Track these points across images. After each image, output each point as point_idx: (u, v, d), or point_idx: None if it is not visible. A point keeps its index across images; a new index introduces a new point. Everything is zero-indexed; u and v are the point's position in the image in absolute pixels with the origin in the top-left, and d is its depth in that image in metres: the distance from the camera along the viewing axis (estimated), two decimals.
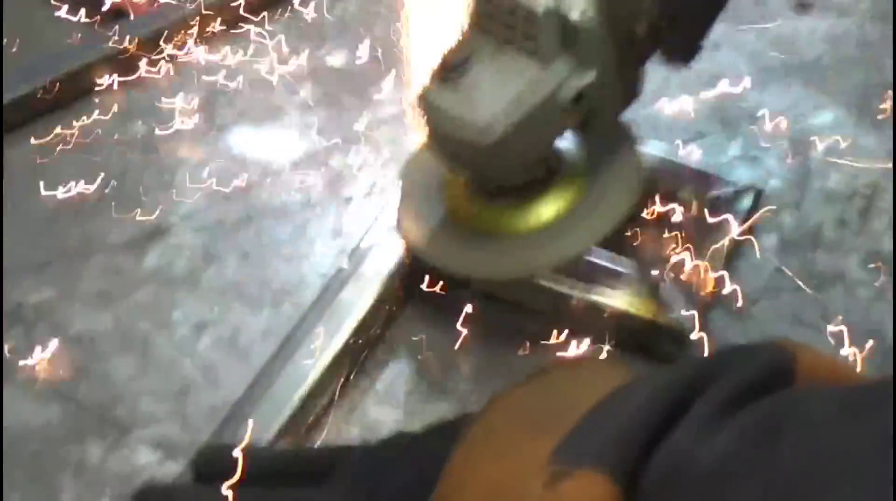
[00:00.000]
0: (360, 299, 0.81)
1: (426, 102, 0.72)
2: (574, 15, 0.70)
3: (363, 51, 1.04)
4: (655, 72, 1.00)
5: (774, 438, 0.44)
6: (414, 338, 0.82)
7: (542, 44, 0.70)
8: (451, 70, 0.71)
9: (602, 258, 0.82)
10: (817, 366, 0.51)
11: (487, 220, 0.78)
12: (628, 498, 0.48)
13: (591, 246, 0.79)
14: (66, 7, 1.06)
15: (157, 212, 0.91)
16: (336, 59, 1.04)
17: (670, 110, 0.98)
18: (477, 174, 0.76)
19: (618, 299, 0.80)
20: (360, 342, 0.81)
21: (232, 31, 1.06)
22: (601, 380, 0.55)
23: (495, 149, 0.70)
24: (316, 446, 0.76)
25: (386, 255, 0.84)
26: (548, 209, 0.77)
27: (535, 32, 0.70)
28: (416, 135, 0.87)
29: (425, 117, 0.72)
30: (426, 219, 0.80)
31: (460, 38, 0.73)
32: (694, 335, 0.77)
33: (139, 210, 0.91)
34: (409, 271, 0.83)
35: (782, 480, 0.43)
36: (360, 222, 0.90)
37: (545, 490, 0.48)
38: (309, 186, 0.93)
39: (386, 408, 0.79)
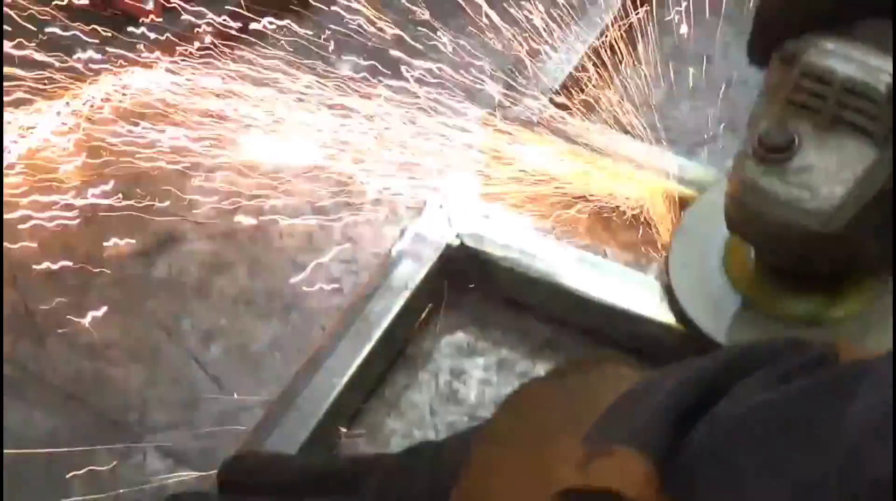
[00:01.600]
0: (387, 312, 0.81)
1: (750, 185, 0.67)
2: None
3: (371, 57, 1.04)
4: (666, 78, 1.01)
5: (847, 393, 0.44)
6: (438, 352, 0.83)
7: (882, 125, 0.65)
8: (775, 152, 0.67)
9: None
10: (860, 357, 0.50)
11: (791, 308, 0.73)
12: (664, 477, 0.47)
13: None
14: (77, 13, 1.06)
15: (168, 220, 0.92)
16: (345, 66, 1.04)
17: (680, 117, 0.98)
18: (799, 261, 0.71)
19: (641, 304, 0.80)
20: (386, 354, 0.81)
21: (242, 37, 1.06)
22: (623, 378, 0.54)
23: (836, 237, 0.66)
24: (341, 456, 0.76)
25: (414, 267, 0.84)
26: (854, 301, 0.72)
27: (874, 112, 0.65)
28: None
29: (748, 203, 0.67)
30: (717, 303, 0.75)
31: (775, 114, 0.69)
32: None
33: (150, 219, 0.92)
34: (434, 284, 0.84)
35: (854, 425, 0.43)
36: (370, 231, 0.90)
37: (577, 470, 0.48)
38: (319, 194, 0.93)
39: (408, 421, 0.79)
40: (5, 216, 0.90)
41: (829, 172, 0.66)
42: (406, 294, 0.82)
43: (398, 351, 0.82)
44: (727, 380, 0.49)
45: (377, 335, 0.80)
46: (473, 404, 0.80)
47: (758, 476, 0.44)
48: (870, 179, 0.66)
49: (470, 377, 0.81)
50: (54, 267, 0.88)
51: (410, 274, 0.83)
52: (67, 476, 0.76)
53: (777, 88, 0.68)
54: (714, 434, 0.47)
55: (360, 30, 1.05)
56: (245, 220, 0.92)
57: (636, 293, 0.81)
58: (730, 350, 0.52)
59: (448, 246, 0.85)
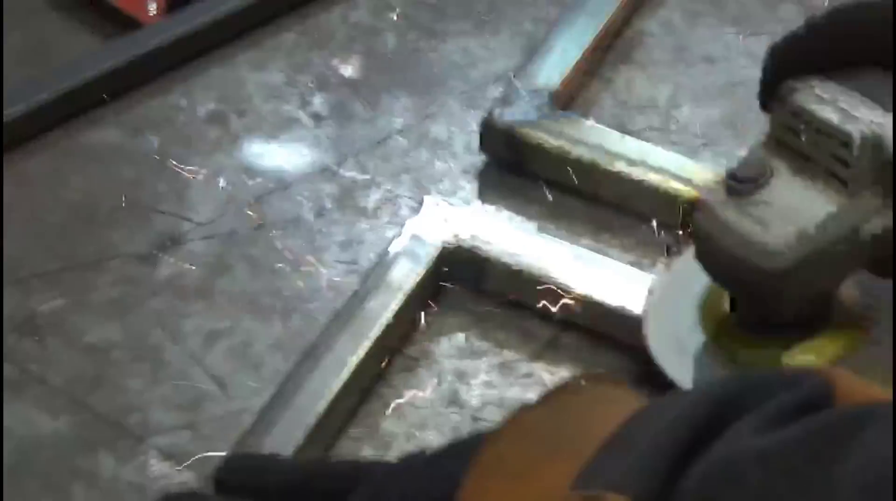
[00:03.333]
0: (384, 311, 0.81)
1: (708, 212, 0.67)
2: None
3: (376, 60, 1.04)
4: (668, 79, 1.01)
5: (847, 441, 0.43)
6: (440, 354, 0.83)
7: (854, 173, 0.64)
8: (741, 182, 0.66)
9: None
10: (855, 392, 0.49)
11: (751, 356, 0.72)
12: None
13: None
14: (79, 16, 1.07)
15: (170, 222, 0.92)
16: (348, 69, 1.04)
17: (682, 118, 0.98)
18: (750, 300, 0.70)
19: None
20: (382, 353, 0.81)
21: (244, 40, 1.06)
22: (617, 403, 0.54)
23: (781, 277, 0.65)
24: (336, 460, 0.76)
25: (411, 266, 0.84)
26: (819, 354, 0.70)
27: (847, 159, 0.64)
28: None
29: (704, 228, 0.67)
30: (681, 343, 0.74)
31: (754, 148, 0.69)
32: None
33: (152, 220, 0.92)
34: (432, 283, 0.84)
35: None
36: (372, 233, 0.90)
37: None
38: (321, 197, 0.93)
39: (409, 423, 0.79)
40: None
41: (787, 211, 0.65)
42: (403, 293, 0.82)
43: (396, 351, 0.82)
44: (721, 417, 0.48)
45: (374, 334, 0.80)
46: (476, 406, 0.80)
47: None
48: (831, 226, 0.65)
49: (472, 379, 0.81)
50: (55, 267, 0.88)
51: (407, 273, 0.83)
52: (68, 479, 0.76)
53: (770, 127, 0.68)
54: (703, 489, 0.47)
55: None
56: (247, 221, 0.92)
57: (636, 293, 0.81)
58: (722, 385, 0.51)
59: (446, 245, 0.84)
